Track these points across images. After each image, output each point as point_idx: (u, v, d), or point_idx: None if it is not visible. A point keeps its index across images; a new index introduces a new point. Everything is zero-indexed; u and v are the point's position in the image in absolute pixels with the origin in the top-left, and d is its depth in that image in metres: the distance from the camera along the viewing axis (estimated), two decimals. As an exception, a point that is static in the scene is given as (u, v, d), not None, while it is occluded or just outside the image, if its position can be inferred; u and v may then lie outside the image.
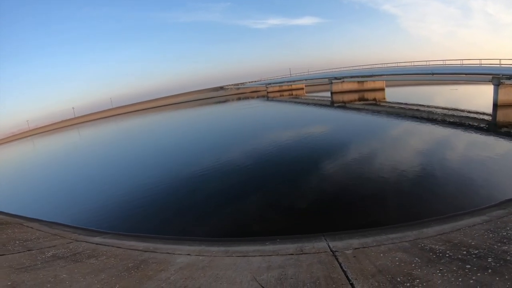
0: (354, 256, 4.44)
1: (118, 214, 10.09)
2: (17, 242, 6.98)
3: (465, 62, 27.85)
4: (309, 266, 4.26)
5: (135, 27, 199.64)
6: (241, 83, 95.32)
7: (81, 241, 7.08)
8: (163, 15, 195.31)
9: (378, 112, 26.53)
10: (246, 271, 4.37)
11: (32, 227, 8.71)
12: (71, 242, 6.95)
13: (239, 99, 72.06)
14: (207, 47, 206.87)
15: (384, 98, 36.03)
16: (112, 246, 6.47)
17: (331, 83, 47.09)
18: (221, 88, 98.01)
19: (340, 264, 4.19)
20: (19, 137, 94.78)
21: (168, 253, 5.69)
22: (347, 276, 3.78)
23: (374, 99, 35.67)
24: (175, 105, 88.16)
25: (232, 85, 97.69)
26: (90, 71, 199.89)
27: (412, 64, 35.97)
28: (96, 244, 6.72)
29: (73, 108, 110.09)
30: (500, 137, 14.54)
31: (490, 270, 3.40)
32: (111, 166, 19.60)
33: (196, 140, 24.37)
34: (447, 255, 4.03)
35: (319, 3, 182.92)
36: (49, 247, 6.54)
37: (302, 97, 54.20)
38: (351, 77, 45.49)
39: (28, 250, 6.25)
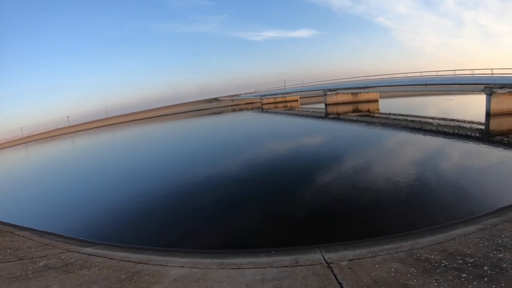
0: (350, 268, 4.41)
1: (111, 225, 9.92)
2: (8, 251, 6.85)
3: (457, 72, 28.37)
4: (304, 278, 4.21)
5: (133, 38, 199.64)
6: (235, 95, 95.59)
7: (73, 251, 6.95)
8: (162, 26, 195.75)
9: (372, 123, 26.73)
10: (241, 283, 4.31)
11: (23, 236, 8.55)
12: (62, 252, 6.82)
13: (233, 110, 72.08)
14: (203, 58, 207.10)
15: (378, 110, 36.42)
16: (105, 257, 6.35)
17: (326, 95, 47.52)
18: (216, 99, 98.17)
19: (335, 276, 4.15)
20: (13, 144, 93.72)
21: (161, 265, 5.59)
22: (342, 288, 3.74)
23: (368, 111, 36.02)
24: (170, 116, 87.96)
25: (226, 96, 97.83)
26: (86, 80, 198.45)
27: (406, 75, 36.46)
28: (88, 255, 6.60)
29: (67, 116, 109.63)
30: (493, 146, 14.74)
31: (486, 278, 3.40)
32: (104, 176, 19.35)
33: (190, 150, 24.28)
34: (442, 264, 4.03)
35: (315, 16, 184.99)
36: (41, 257, 6.41)
37: (297, 109, 54.48)
38: (345, 89, 45.99)
39: (19, 260, 6.13)
